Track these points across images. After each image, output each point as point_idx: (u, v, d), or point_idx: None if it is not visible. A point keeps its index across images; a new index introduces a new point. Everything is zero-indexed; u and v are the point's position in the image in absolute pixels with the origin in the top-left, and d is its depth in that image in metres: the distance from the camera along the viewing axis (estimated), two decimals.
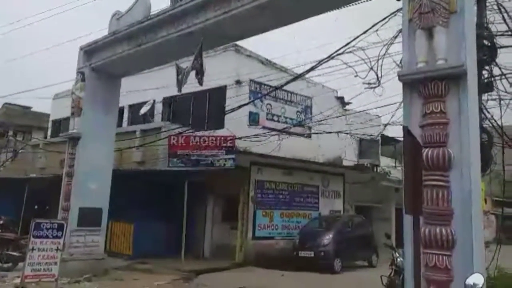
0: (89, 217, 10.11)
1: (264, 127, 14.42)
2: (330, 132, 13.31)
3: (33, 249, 7.44)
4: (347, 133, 14.45)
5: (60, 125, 20.91)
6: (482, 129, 7.54)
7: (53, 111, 22.93)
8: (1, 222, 14.64)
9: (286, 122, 15.53)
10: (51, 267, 7.56)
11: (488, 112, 8.60)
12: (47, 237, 7.55)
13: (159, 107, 16.28)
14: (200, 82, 8.53)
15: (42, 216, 10.97)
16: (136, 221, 13.08)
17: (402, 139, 5.13)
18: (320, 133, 13.92)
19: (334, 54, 8.88)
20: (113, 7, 11.08)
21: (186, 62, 9.02)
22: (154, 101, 16.18)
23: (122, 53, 9.80)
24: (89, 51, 10.87)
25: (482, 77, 7.76)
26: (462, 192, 4.55)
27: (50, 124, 23.28)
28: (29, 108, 31.40)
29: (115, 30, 9.97)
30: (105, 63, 10.42)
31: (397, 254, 7.14)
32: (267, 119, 15.04)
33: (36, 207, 16.70)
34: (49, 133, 23.35)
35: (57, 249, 7.63)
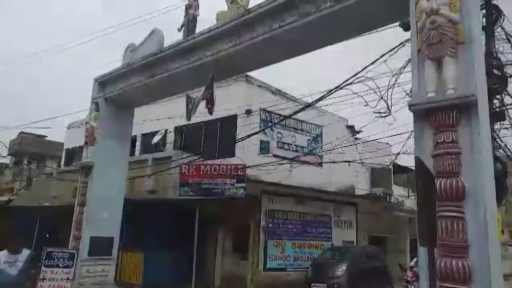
0: (100, 247, 10.07)
1: (274, 156, 14.43)
2: (341, 162, 13.25)
3: (44, 278, 7.41)
4: (358, 162, 14.36)
5: (74, 154, 21.21)
6: (496, 158, 7.46)
7: (67, 140, 23.33)
8: None
9: (296, 151, 15.53)
10: None
11: (502, 140, 8.53)
12: (58, 266, 7.53)
13: (171, 136, 16.47)
14: (210, 112, 8.65)
15: (53, 244, 10.99)
16: (146, 250, 12.98)
17: (414, 168, 5.09)
18: (332, 162, 13.87)
19: (343, 84, 9.00)
20: (125, 40, 11.45)
21: (197, 93, 9.20)
22: (166, 130, 16.40)
23: (136, 84, 10.03)
24: (103, 82, 11.15)
25: (494, 106, 7.75)
26: (477, 223, 4.45)
27: (63, 153, 23.63)
28: (43, 137, 32.02)
29: (129, 62, 10.25)
30: (118, 94, 10.66)
31: (412, 287, 6.96)
32: (277, 147, 15.07)
33: (47, 235, 16.76)
34: (62, 161, 23.67)
35: (67, 279, 7.59)
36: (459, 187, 4.56)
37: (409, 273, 10.47)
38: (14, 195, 22.25)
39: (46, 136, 32.06)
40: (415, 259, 10.61)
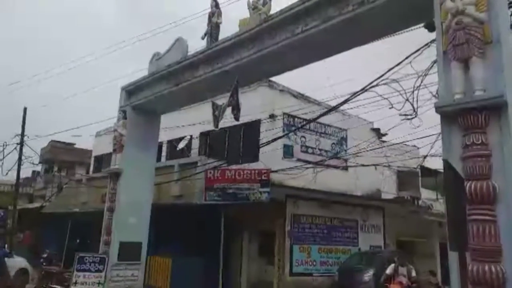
0: (129, 251, 10.29)
1: (299, 160, 14.40)
2: (367, 165, 13.09)
3: (76, 282, 7.66)
4: (385, 165, 14.13)
5: (102, 161, 21.78)
6: None
7: (95, 147, 23.96)
8: (45, 255, 15.22)
9: (321, 155, 15.44)
10: None
11: None
12: (89, 270, 7.77)
13: (196, 142, 16.69)
14: (237, 118, 8.74)
15: (83, 249, 11.32)
16: (173, 255, 13.16)
17: (442, 171, 5.00)
18: (357, 166, 13.71)
19: (368, 87, 8.91)
20: (151, 49, 11.73)
21: (222, 99, 9.32)
22: (191, 136, 16.64)
23: (162, 91, 10.25)
24: (130, 90, 11.43)
25: None
26: (510, 226, 4.34)
27: (92, 160, 24.27)
28: (72, 144, 32.99)
29: (154, 71, 10.49)
30: (145, 102, 10.91)
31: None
32: (301, 151, 15.03)
33: (78, 240, 17.26)
34: (91, 168, 24.31)
35: (98, 283, 7.80)
36: (490, 189, 4.45)
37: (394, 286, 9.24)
38: (46, 202, 23.03)
39: (75, 144, 33.02)
40: (392, 265, 9.89)
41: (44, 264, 14.22)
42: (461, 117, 4.83)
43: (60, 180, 24.03)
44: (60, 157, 32.94)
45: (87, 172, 25.28)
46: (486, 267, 4.29)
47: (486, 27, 4.89)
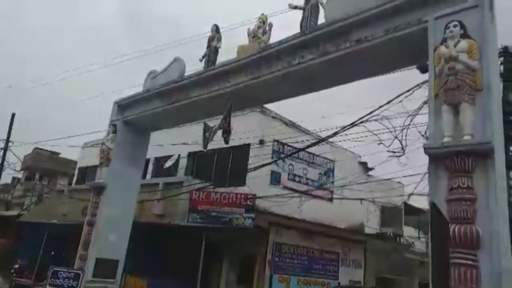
0: (105, 269, 10.01)
1: (285, 187, 14.38)
2: (352, 199, 13.13)
3: None
4: (370, 200, 14.20)
5: (86, 173, 21.44)
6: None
7: (80, 158, 23.61)
8: (17, 266, 14.69)
9: (307, 184, 15.46)
10: None
11: None
12: (62, 286, 7.51)
13: (183, 162, 16.59)
14: (226, 141, 8.78)
15: (58, 263, 10.96)
16: (149, 275, 12.83)
17: (426, 209, 5.05)
18: (342, 198, 13.75)
19: (358, 121, 9.05)
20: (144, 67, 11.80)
21: (214, 121, 9.36)
22: (179, 155, 16.54)
23: (155, 109, 10.25)
24: (122, 105, 11.40)
25: (510, 153, 7.70)
26: (492, 272, 4.36)
27: (76, 171, 23.87)
28: (57, 154, 32.46)
29: (149, 88, 10.52)
30: (137, 118, 10.88)
31: None
32: (288, 179, 15.03)
33: (52, 253, 16.73)
34: (74, 179, 23.88)
35: None
36: (474, 234, 4.50)
37: None
38: (24, 210, 22.42)
39: (60, 153, 32.52)
40: None
41: (14, 275, 13.71)
42: (448, 160, 4.93)
43: (41, 189, 23.51)
44: (43, 166, 32.35)
45: (70, 183, 24.82)
46: None
47: (477, 74, 5.06)
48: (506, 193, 5.41)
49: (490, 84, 5.03)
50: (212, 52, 9.34)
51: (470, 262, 4.43)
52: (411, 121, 8.66)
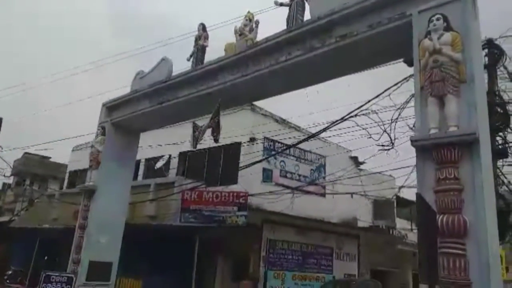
0: (98, 271, 9.96)
1: (277, 184, 14.42)
2: (344, 193, 13.22)
3: None
4: (361, 194, 14.31)
5: (77, 176, 21.26)
6: (499, 195, 7.45)
7: (71, 162, 23.40)
8: (10, 272, 14.58)
9: (299, 180, 15.52)
10: None
11: (506, 177, 8.54)
12: None
13: (174, 162, 16.54)
14: (216, 139, 8.76)
15: (51, 267, 10.89)
16: (144, 276, 12.81)
17: (416, 203, 5.11)
18: (335, 193, 13.83)
19: (347, 116, 9.12)
20: (133, 67, 11.73)
21: (204, 120, 9.35)
22: (170, 155, 16.49)
23: (143, 110, 10.20)
24: (111, 107, 11.32)
25: (497, 143, 7.82)
26: (479, 260, 4.44)
27: (67, 175, 23.66)
28: (47, 158, 32.12)
29: (137, 88, 10.46)
30: (126, 119, 10.81)
31: None
32: (280, 176, 15.07)
33: (46, 258, 16.62)
34: (65, 183, 23.67)
35: None
36: (461, 224, 4.57)
37: None
38: (15, 216, 22.20)
39: (51, 158, 32.18)
40: None
41: (8, 281, 13.60)
42: (435, 151, 4.99)
43: (31, 194, 23.28)
44: (34, 170, 31.95)
45: (61, 188, 24.60)
46: None
47: (461, 66, 5.12)
48: (493, 183, 5.51)
49: (474, 75, 5.09)
50: (199, 51, 9.31)
51: (458, 251, 4.51)
52: (399, 114, 8.76)
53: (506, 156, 7.91)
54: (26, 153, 30.33)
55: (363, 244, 16.39)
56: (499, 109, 8.11)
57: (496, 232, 4.82)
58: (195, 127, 9.11)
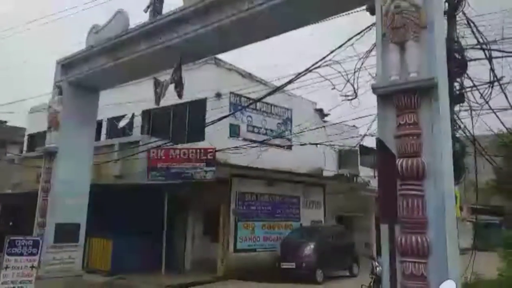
0: (66, 233, 9.89)
1: (244, 139, 14.46)
2: (310, 144, 13.44)
3: (7, 267, 7.20)
4: (326, 145, 14.61)
5: (36, 139, 20.45)
6: (455, 139, 7.77)
7: (29, 125, 22.42)
8: None
9: (266, 134, 15.61)
10: (26, 285, 7.32)
11: (462, 122, 8.89)
12: (21, 254, 7.32)
13: (138, 120, 16.15)
14: (180, 95, 8.56)
15: (17, 232, 10.65)
16: (114, 236, 12.84)
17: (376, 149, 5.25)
18: (300, 145, 14.05)
19: (311, 68, 9.06)
20: (90, 21, 11.05)
21: (165, 76, 9.04)
22: (133, 114, 16.06)
23: (100, 66, 9.74)
24: (66, 65, 10.76)
25: (454, 89, 8.04)
26: (436, 200, 4.68)
27: (26, 139, 22.73)
28: (4, 122, 30.62)
29: (92, 44, 9.92)
30: (83, 77, 10.34)
31: (376, 263, 7.24)
32: (247, 131, 15.09)
33: (11, 223, 16.26)
34: (24, 147, 22.77)
35: (32, 267, 7.40)
36: (420, 166, 4.76)
37: None
38: None
39: (7, 122, 30.64)
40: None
41: None
42: (396, 97, 5.08)
43: None
44: None
45: (21, 152, 23.65)
46: (413, 238, 4.63)
47: (422, 11, 5.12)
48: (450, 127, 5.71)
49: (434, 21, 5.12)
50: (157, 1, 8.81)
51: (416, 193, 4.73)
52: (362, 64, 8.79)
53: (463, 101, 8.17)
54: None
55: (329, 192, 17.01)
56: (457, 55, 8.27)
57: (451, 174, 5.06)
58: (157, 83, 8.84)
